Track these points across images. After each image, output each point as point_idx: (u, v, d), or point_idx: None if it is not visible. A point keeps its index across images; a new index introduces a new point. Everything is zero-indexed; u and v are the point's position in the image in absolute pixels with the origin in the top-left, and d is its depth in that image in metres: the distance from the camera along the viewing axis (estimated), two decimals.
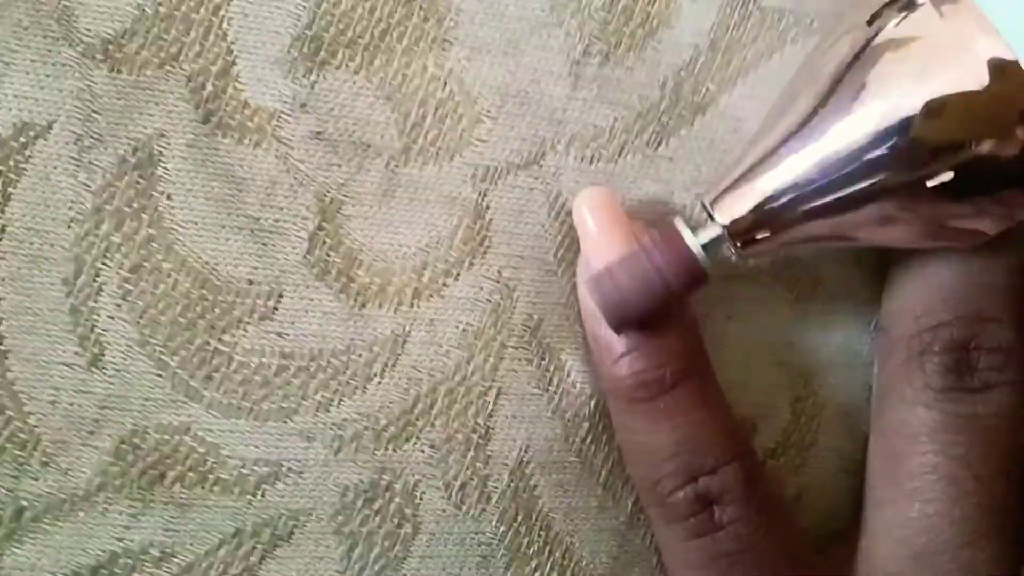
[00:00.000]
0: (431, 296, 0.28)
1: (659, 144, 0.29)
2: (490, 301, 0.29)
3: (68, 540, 0.27)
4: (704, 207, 0.26)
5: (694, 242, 0.25)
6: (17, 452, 0.27)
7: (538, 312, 0.29)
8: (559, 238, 0.29)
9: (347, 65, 0.28)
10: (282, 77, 0.27)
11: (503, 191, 0.29)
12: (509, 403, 0.29)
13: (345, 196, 0.28)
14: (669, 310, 0.26)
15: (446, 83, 0.28)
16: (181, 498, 0.27)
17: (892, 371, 0.27)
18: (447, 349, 0.28)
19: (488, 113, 0.28)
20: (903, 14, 0.24)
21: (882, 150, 0.24)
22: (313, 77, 0.28)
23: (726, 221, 0.25)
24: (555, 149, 0.29)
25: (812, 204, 0.25)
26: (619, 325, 0.26)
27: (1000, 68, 0.23)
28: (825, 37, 0.27)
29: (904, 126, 0.23)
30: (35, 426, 0.27)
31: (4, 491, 0.26)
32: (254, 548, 0.28)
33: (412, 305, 0.28)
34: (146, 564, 0.27)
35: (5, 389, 0.26)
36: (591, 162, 0.29)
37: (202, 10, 0.27)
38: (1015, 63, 0.23)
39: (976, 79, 0.23)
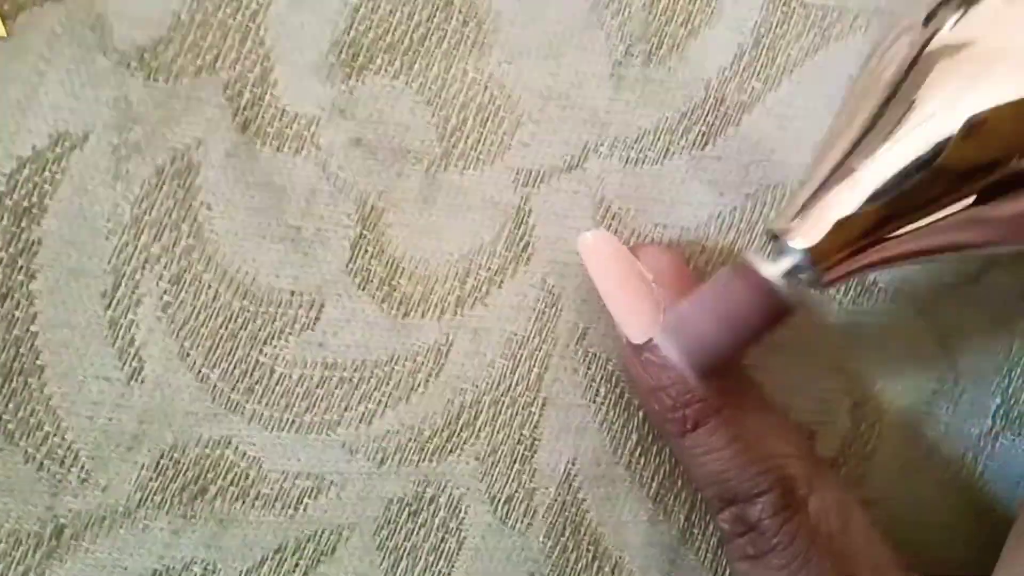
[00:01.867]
0: (474, 304, 0.28)
1: (705, 144, 0.28)
2: (535, 309, 0.28)
3: (109, 558, 0.26)
4: (774, 236, 0.24)
5: (772, 273, 0.23)
6: (55, 469, 0.26)
7: (583, 320, 0.28)
8: None
9: (386, 70, 0.27)
10: (320, 83, 0.27)
11: (546, 195, 0.28)
12: (555, 414, 0.28)
13: (386, 203, 0.27)
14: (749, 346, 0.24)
15: (487, 87, 0.28)
16: (222, 514, 0.27)
17: None
18: (491, 359, 0.28)
19: (530, 116, 0.28)
20: (960, 11, 0.23)
21: (915, 179, 0.22)
22: (352, 83, 0.27)
23: (803, 246, 0.23)
24: (598, 152, 0.28)
25: (884, 226, 0.23)
26: (702, 371, 0.24)
27: None
28: (883, 38, 0.26)
29: (937, 152, 0.22)
30: (73, 442, 0.26)
31: (43, 509, 0.26)
32: (297, 564, 0.27)
33: (455, 314, 0.28)
34: None
35: (42, 404, 0.26)
36: (636, 164, 0.28)
37: (239, 16, 0.27)
38: None
39: None
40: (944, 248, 0.24)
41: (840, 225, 0.23)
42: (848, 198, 0.23)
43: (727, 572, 0.29)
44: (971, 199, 0.22)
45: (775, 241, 0.24)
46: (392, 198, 0.27)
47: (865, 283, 0.29)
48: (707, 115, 0.28)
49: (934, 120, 0.22)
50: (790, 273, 0.23)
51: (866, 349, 0.29)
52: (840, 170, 0.24)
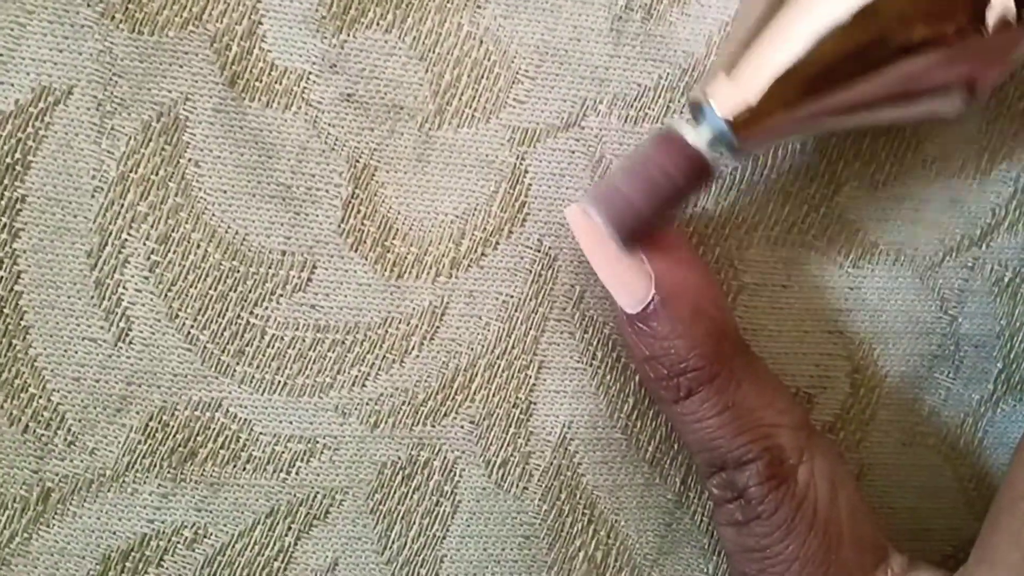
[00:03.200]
0: (470, 266, 0.27)
1: None
2: (531, 271, 0.27)
3: (97, 522, 0.26)
4: (702, 100, 0.25)
5: (696, 140, 0.24)
6: (41, 432, 0.26)
7: (580, 283, 0.28)
8: None
9: (378, 24, 0.26)
10: (310, 37, 0.26)
11: (542, 154, 0.27)
12: (551, 377, 0.28)
13: (378, 161, 0.27)
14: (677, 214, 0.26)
15: (482, 41, 0.27)
16: (213, 477, 0.26)
17: None
18: (487, 321, 0.27)
19: (526, 72, 0.27)
20: None
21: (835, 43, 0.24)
22: (343, 36, 0.26)
23: (728, 115, 0.24)
24: (597, 109, 0.27)
25: (805, 90, 0.24)
26: (630, 237, 0.24)
27: None
28: None
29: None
30: (59, 404, 0.26)
31: (29, 472, 0.26)
32: (289, 528, 0.27)
33: (450, 276, 0.27)
34: (178, 546, 0.26)
35: (27, 366, 0.25)
36: (635, 123, 0.28)
37: None
38: None
39: None
40: (860, 107, 0.25)
41: (762, 97, 0.24)
42: (769, 66, 0.24)
43: None
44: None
45: (697, 109, 0.25)
46: (385, 156, 0.27)
47: (865, 246, 0.29)
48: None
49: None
50: (713, 141, 0.24)
51: (866, 313, 0.29)
52: (757, 38, 0.24)
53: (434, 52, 0.27)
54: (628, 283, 0.25)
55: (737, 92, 0.24)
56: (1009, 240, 0.29)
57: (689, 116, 0.26)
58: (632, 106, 0.27)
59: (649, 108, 0.28)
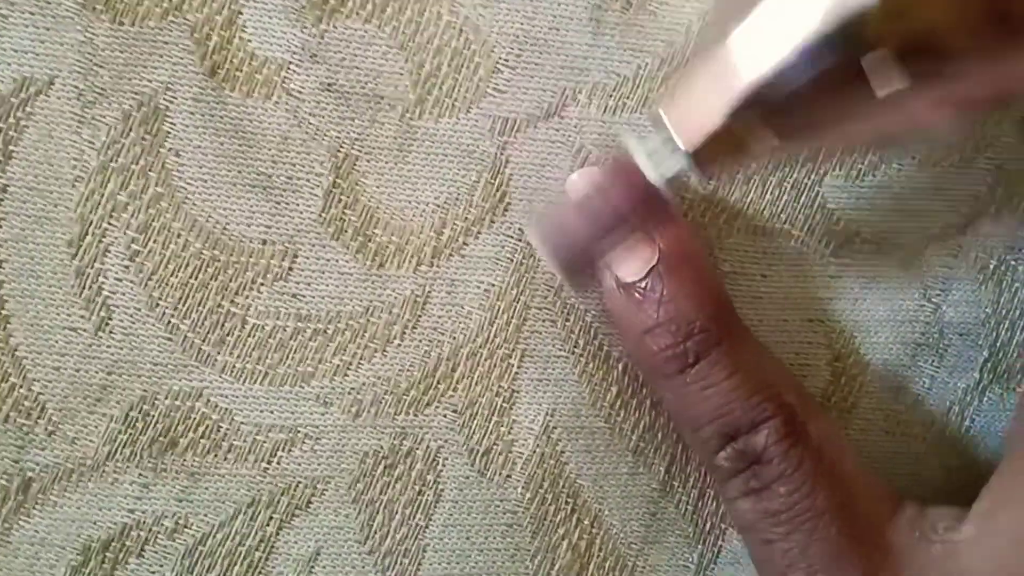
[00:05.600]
0: (451, 255, 0.27)
1: None
2: (512, 260, 0.27)
3: (77, 512, 0.26)
4: (663, 124, 0.22)
5: (655, 177, 0.22)
6: (22, 421, 0.26)
7: None
8: None
9: (358, 13, 0.26)
10: (290, 26, 0.26)
11: (523, 144, 0.27)
12: (534, 366, 0.28)
13: (359, 151, 0.27)
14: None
15: (461, 31, 0.27)
16: (194, 467, 0.26)
17: None
18: (469, 310, 0.27)
19: (506, 62, 0.27)
20: None
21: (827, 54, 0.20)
22: (323, 26, 0.26)
23: (690, 148, 0.22)
24: (577, 99, 0.27)
25: (773, 120, 0.21)
26: (571, 274, 0.24)
27: None
28: None
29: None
30: (39, 393, 0.26)
31: (10, 462, 0.26)
32: (270, 518, 0.27)
33: (432, 265, 0.27)
34: (159, 536, 0.26)
35: (8, 355, 0.25)
36: (615, 112, 0.28)
37: None
38: None
39: None
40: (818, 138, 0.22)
41: (717, 136, 0.21)
42: (720, 97, 0.21)
43: (708, 525, 0.29)
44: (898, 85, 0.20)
45: (657, 129, 0.22)
46: (366, 146, 0.27)
47: (847, 235, 0.29)
48: (687, 62, 0.28)
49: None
50: (674, 177, 0.22)
51: (847, 302, 0.29)
52: (731, 65, 0.21)
53: (414, 41, 0.27)
54: (631, 247, 0.25)
55: (702, 116, 0.21)
56: (993, 227, 0.29)
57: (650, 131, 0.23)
58: (612, 96, 0.27)
59: (628, 98, 0.28)
